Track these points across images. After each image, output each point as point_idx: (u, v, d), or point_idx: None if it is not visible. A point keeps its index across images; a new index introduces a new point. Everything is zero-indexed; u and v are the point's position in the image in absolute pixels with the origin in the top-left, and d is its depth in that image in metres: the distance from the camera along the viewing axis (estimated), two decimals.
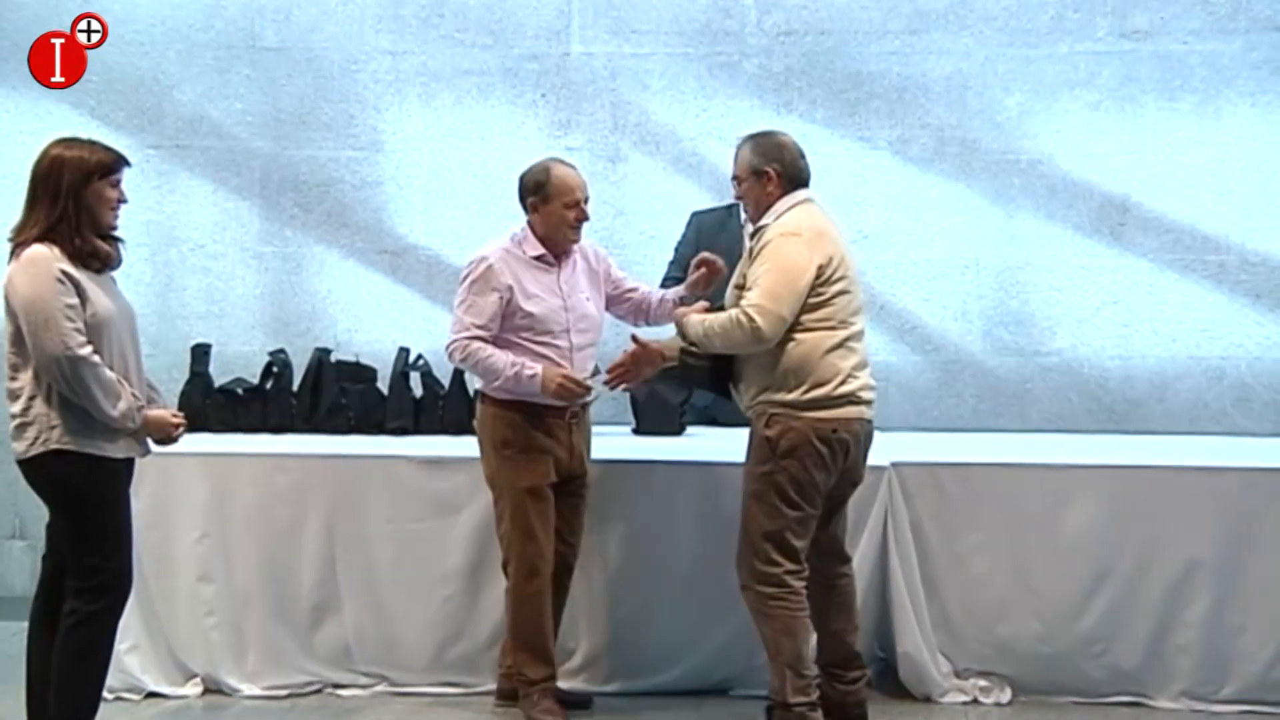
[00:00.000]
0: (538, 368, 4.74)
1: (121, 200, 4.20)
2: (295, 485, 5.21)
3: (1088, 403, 6.59)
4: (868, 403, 4.59)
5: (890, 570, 5.07)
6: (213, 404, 5.68)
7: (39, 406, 4.07)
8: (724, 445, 5.14)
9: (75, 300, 4.02)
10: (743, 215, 5.73)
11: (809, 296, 4.47)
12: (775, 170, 4.64)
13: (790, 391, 4.49)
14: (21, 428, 4.09)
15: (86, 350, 4.01)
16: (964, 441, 5.83)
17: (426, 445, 5.39)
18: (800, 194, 4.64)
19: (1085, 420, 6.55)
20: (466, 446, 5.23)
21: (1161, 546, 5.05)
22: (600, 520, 5.07)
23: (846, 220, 6.58)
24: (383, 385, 5.77)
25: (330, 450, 5.34)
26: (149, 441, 4.30)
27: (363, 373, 5.81)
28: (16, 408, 4.09)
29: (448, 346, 4.81)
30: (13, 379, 4.11)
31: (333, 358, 5.84)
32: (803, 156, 4.70)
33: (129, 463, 4.25)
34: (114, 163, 4.17)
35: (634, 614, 5.17)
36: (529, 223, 4.88)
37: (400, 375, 5.71)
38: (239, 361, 6.48)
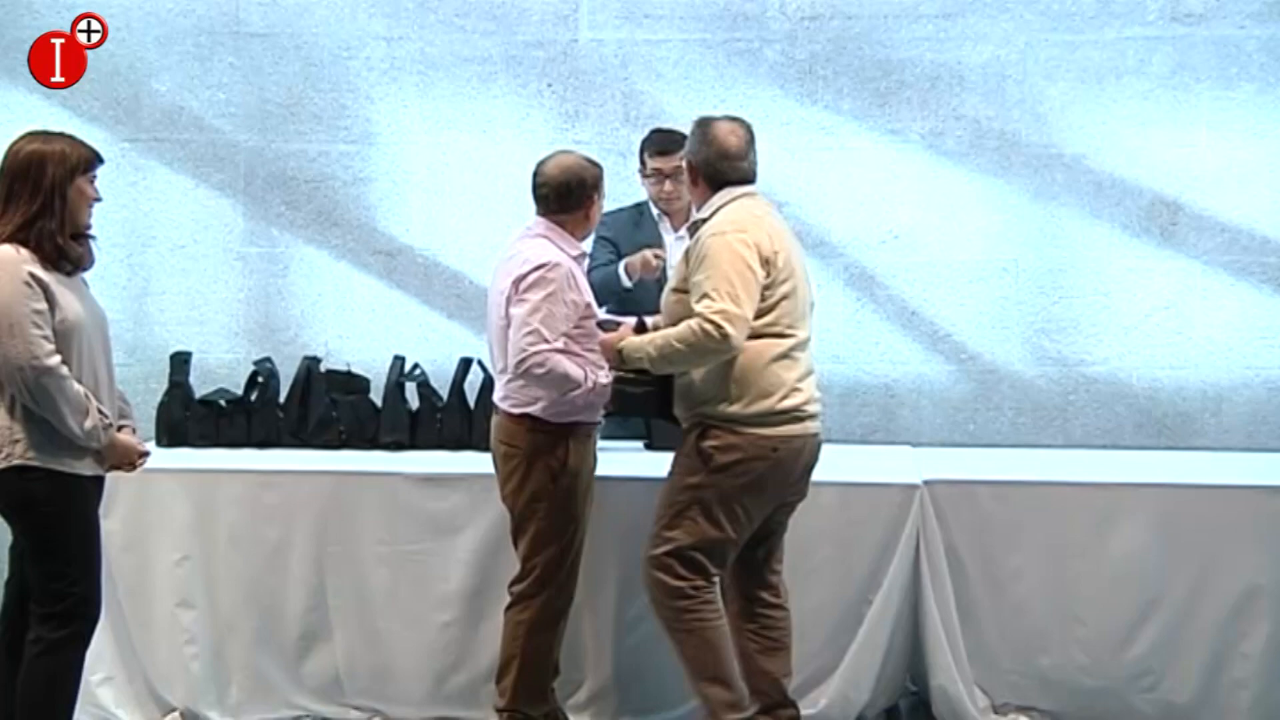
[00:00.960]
0: (601, 370, 4.76)
1: (97, 198, 4.24)
2: (282, 504, 5.22)
3: (1136, 416, 6.59)
4: (813, 416, 4.57)
5: (922, 597, 5.07)
6: (193, 417, 5.70)
7: (1, 419, 4.09)
8: None
9: (43, 305, 4.04)
10: (654, 210, 5.81)
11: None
12: (695, 162, 4.62)
13: (732, 404, 4.46)
14: None
15: (54, 361, 4.03)
16: (1002, 458, 5.82)
17: (423, 461, 5.40)
18: (737, 190, 4.58)
19: (1133, 435, 6.54)
20: (466, 462, 5.25)
21: (1217, 571, 5.04)
22: (610, 543, 5.07)
23: (875, 219, 6.64)
24: (376, 397, 5.77)
25: (320, 466, 5.35)
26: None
27: (355, 383, 5.81)
28: None
29: (527, 359, 4.64)
30: None
31: (322, 367, 5.84)
32: (739, 155, 4.58)
33: (98, 481, 4.27)
34: (94, 158, 4.22)
35: (645, 644, 5.16)
36: (560, 222, 4.85)
37: (395, 386, 5.72)
38: (221, 371, 6.50)
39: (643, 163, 5.82)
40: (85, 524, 4.22)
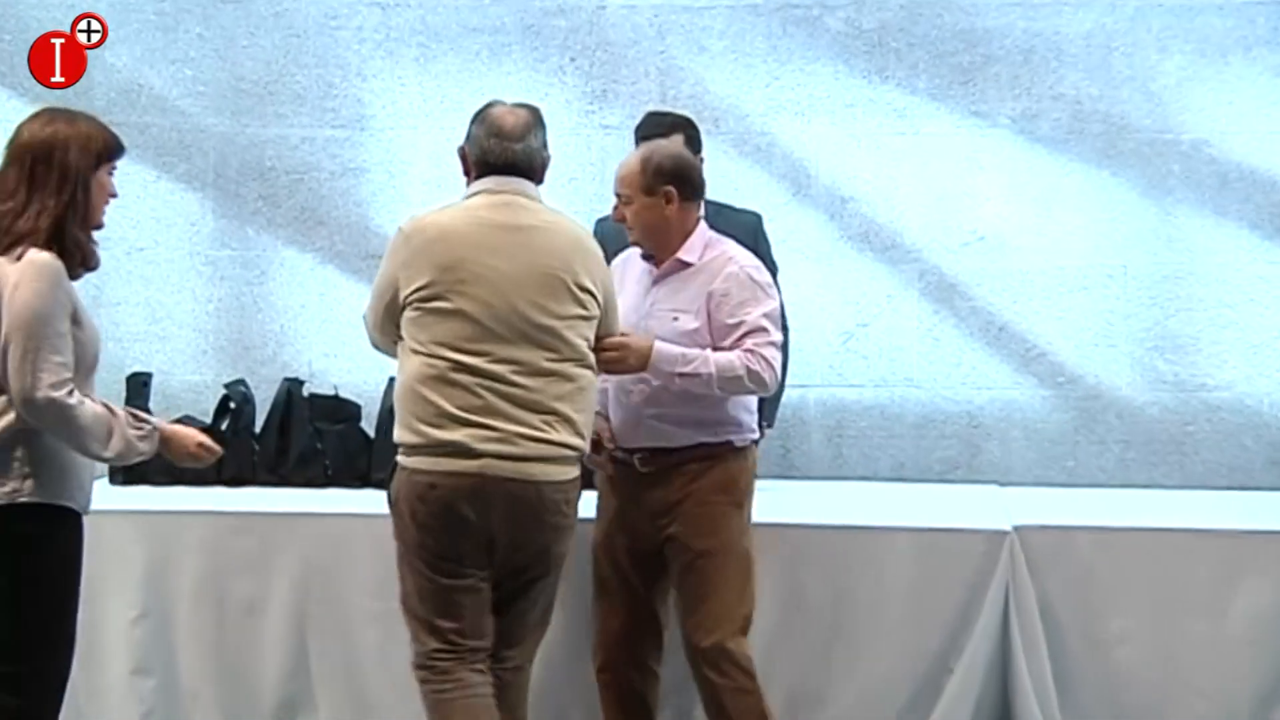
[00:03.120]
0: None
1: (114, 194, 4.35)
2: (257, 551, 5.24)
3: (1268, 451, 6.57)
4: (500, 456, 4.40)
5: (1012, 662, 5.05)
6: None
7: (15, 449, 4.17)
8: (796, 501, 5.15)
9: (68, 328, 4.15)
10: None
11: (406, 310, 4.47)
12: (462, 152, 4.67)
13: (396, 429, 4.54)
14: None
15: (61, 393, 4.09)
16: (1107, 500, 5.82)
17: None
18: (481, 183, 4.60)
19: (1264, 474, 6.52)
20: None
21: None
22: None
23: (956, 218, 6.63)
24: (368, 425, 5.80)
25: (302, 508, 5.37)
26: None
27: (343, 410, 5.84)
28: None
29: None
30: None
31: (305, 391, 5.87)
32: (512, 135, 4.58)
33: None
34: (118, 146, 4.32)
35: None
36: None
37: (389, 413, 5.73)
38: (186, 395, 6.53)
39: None
40: (79, 569, 4.33)
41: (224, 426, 5.75)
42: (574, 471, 4.52)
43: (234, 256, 6.86)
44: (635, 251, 4.93)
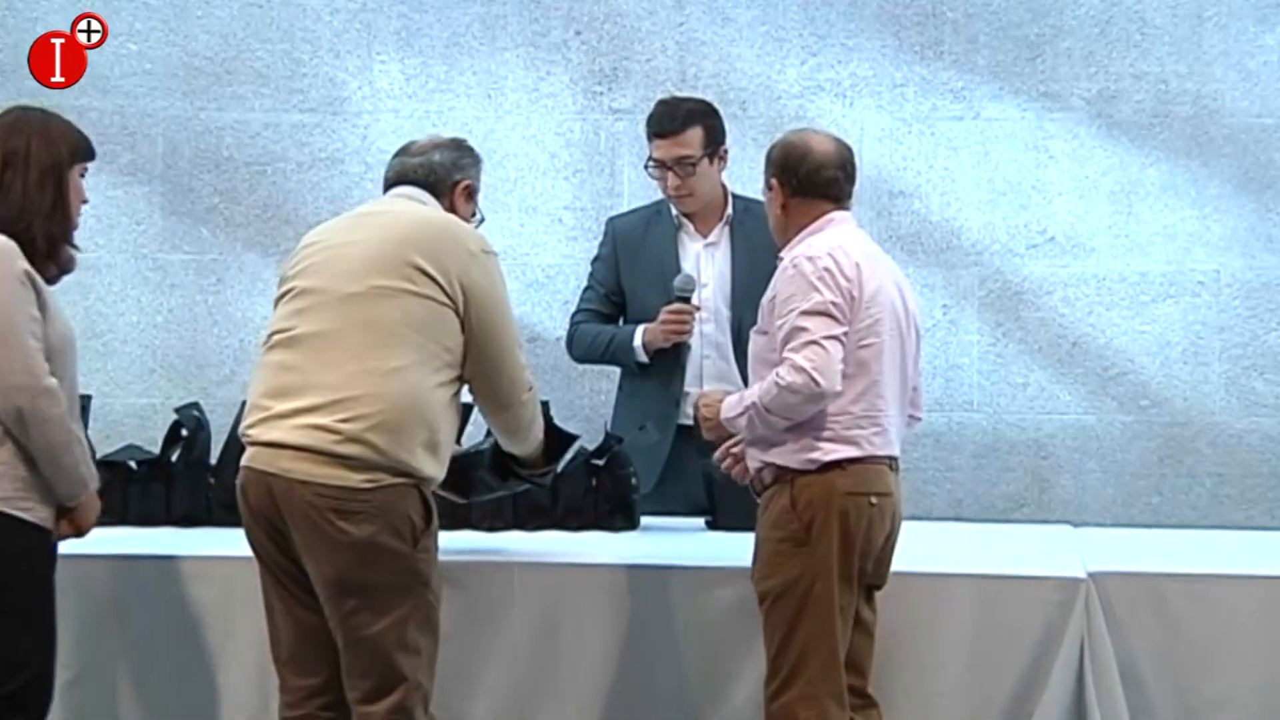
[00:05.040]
0: None
1: (85, 199, 4.58)
2: (215, 601, 5.22)
3: None
4: (264, 444, 4.46)
5: None
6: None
7: None
8: None
9: (38, 313, 4.32)
10: (674, 213, 5.79)
11: None
12: None
13: None
14: None
15: (53, 382, 4.30)
16: (1198, 543, 5.80)
17: None
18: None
19: None
20: (458, 541, 5.25)
21: None
22: (666, 652, 5.08)
23: (1022, 215, 6.64)
24: None
25: None
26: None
27: None
28: None
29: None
30: None
31: None
32: (405, 153, 4.85)
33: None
34: (89, 147, 4.58)
35: None
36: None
37: None
38: (131, 421, 6.54)
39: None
40: (50, 587, 4.49)
41: (174, 457, 5.75)
42: (349, 477, 4.38)
43: (186, 261, 6.87)
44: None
